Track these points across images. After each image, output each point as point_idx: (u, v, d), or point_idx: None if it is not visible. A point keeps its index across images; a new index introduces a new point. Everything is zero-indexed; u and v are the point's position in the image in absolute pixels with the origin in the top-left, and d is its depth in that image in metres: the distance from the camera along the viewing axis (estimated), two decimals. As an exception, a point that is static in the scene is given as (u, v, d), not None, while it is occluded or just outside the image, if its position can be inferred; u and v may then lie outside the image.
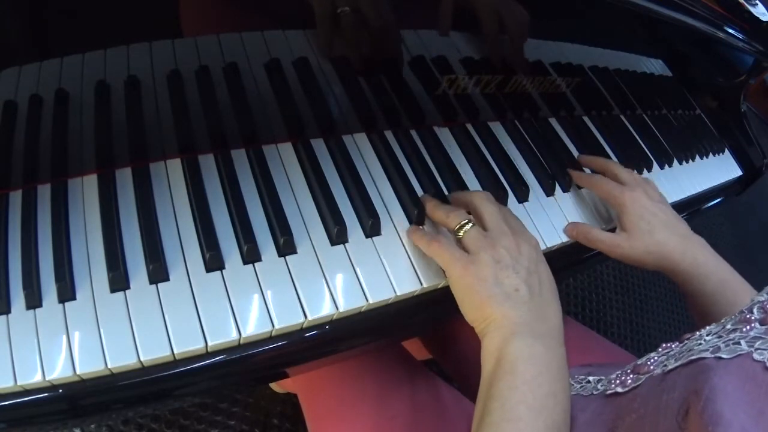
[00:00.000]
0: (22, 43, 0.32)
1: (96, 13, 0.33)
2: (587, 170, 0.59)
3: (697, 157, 0.78)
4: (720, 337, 0.30)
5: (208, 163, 0.43)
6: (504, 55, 0.53)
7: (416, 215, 0.45)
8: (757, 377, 0.25)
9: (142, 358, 0.33)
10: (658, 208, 0.51)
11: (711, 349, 0.29)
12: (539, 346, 0.36)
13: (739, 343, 0.27)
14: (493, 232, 0.41)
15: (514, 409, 0.34)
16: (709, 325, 0.35)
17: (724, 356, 0.27)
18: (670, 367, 0.31)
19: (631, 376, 0.36)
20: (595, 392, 0.39)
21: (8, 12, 0.30)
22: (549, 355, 0.36)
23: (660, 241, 0.49)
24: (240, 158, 0.44)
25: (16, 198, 0.37)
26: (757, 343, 0.26)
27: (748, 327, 0.29)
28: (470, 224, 0.41)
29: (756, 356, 0.26)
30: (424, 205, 0.45)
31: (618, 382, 0.36)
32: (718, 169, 0.82)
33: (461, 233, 0.41)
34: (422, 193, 0.48)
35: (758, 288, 0.46)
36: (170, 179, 0.41)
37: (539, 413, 0.34)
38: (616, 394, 0.36)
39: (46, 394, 0.32)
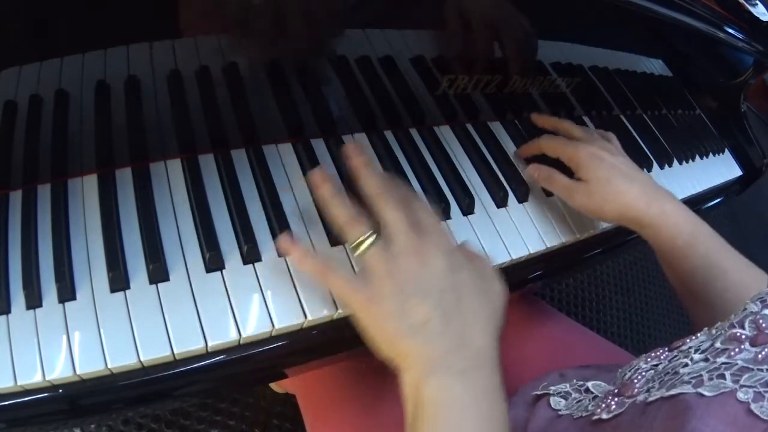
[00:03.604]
0: (22, 43, 0.32)
1: (96, 13, 0.33)
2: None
3: (697, 157, 0.79)
4: (707, 360, 0.28)
5: (208, 163, 0.43)
6: (503, 61, 0.53)
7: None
8: (739, 422, 0.23)
9: (142, 358, 0.33)
10: (616, 160, 0.48)
11: (694, 381, 0.27)
12: (459, 385, 0.32)
13: (723, 377, 0.26)
14: (396, 248, 0.35)
15: None
16: (687, 289, 0.32)
17: (705, 393, 0.25)
18: (651, 398, 0.29)
19: (616, 399, 0.34)
20: (584, 414, 0.37)
21: (8, 12, 0.30)
22: (474, 391, 0.33)
23: (620, 190, 0.46)
24: (240, 158, 0.44)
25: (16, 198, 0.37)
26: (744, 377, 0.25)
27: (737, 349, 0.27)
28: (370, 240, 0.35)
29: (740, 396, 0.24)
30: (315, 189, 0.38)
31: (603, 405, 0.34)
32: (718, 169, 0.82)
33: (359, 251, 0.36)
34: (422, 192, 0.48)
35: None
36: (170, 179, 0.41)
37: None
38: (601, 420, 0.33)
39: (46, 394, 0.32)
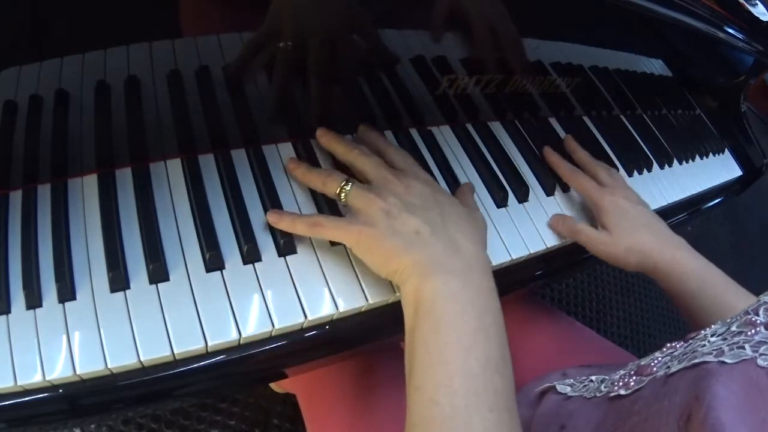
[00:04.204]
0: (22, 43, 0.32)
1: (96, 13, 0.33)
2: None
3: (697, 157, 0.78)
4: (725, 339, 0.29)
5: (208, 163, 0.43)
6: (500, 62, 0.53)
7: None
8: (761, 384, 0.24)
9: (142, 358, 0.33)
10: (637, 210, 0.51)
11: (715, 352, 0.28)
12: (456, 282, 0.35)
13: (743, 348, 0.27)
14: (376, 182, 0.39)
15: (440, 353, 0.32)
16: (699, 325, 0.34)
17: (727, 361, 0.27)
18: (672, 370, 0.31)
19: (634, 378, 0.35)
20: (598, 394, 0.38)
21: (8, 12, 0.30)
22: (470, 288, 0.35)
23: (640, 240, 0.49)
24: (240, 158, 0.44)
25: (16, 198, 0.37)
26: (762, 348, 0.26)
27: (753, 331, 0.28)
28: (349, 184, 0.39)
29: (760, 362, 0.25)
30: (292, 171, 0.43)
31: (621, 384, 0.36)
32: (718, 169, 0.82)
33: (343, 196, 0.39)
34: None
35: (753, 287, 0.46)
36: (170, 179, 0.41)
37: (468, 351, 0.32)
38: (619, 396, 0.35)
39: (46, 394, 0.32)
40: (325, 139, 0.45)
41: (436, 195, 0.40)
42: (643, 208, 0.53)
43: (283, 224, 0.39)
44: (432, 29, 0.46)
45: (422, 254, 0.36)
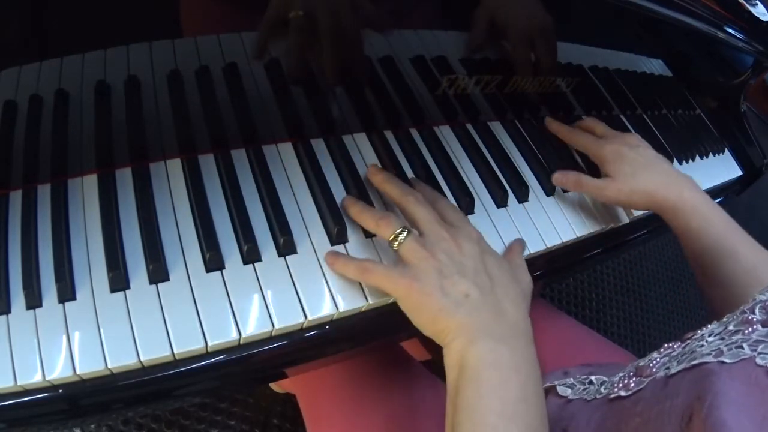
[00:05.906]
0: (22, 43, 0.32)
1: (96, 13, 0.33)
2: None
3: (697, 157, 0.78)
4: (722, 339, 0.30)
5: (208, 163, 0.43)
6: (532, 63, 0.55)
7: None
8: (761, 382, 0.25)
9: (142, 358, 0.33)
10: (636, 152, 0.52)
11: (714, 352, 0.28)
12: (503, 349, 0.35)
13: (741, 347, 0.27)
14: (430, 238, 0.39)
15: (483, 419, 0.33)
16: (702, 270, 0.33)
17: (726, 360, 0.27)
18: (672, 371, 0.31)
19: (634, 379, 0.35)
20: (598, 396, 0.38)
21: (8, 12, 0.30)
22: (515, 357, 0.35)
23: (643, 181, 0.50)
24: (240, 158, 0.44)
25: (16, 198, 0.37)
26: (760, 347, 0.26)
27: (750, 329, 0.29)
28: (405, 233, 0.39)
29: (759, 361, 0.26)
30: (346, 209, 0.43)
31: (621, 385, 0.36)
32: (718, 169, 0.82)
33: (396, 244, 0.39)
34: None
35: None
36: (170, 179, 0.41)
37: (511, 420, 0.33)
38: (620, 398, 0.35)
39: (46, 394, 0.32)
40: (378, 178, 0.45)
41: (485, 256, 0.39)
42: (644, 149, 0.53)
43: (338, 265, 0.40)
44: (472, 30, 0.47)
45: (470, 318, 0.36)
